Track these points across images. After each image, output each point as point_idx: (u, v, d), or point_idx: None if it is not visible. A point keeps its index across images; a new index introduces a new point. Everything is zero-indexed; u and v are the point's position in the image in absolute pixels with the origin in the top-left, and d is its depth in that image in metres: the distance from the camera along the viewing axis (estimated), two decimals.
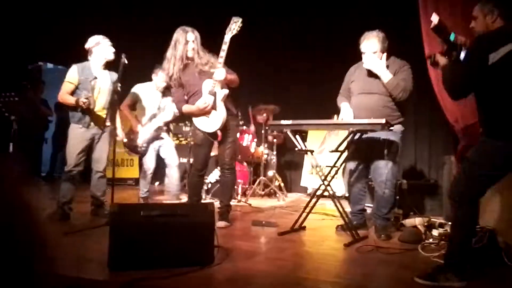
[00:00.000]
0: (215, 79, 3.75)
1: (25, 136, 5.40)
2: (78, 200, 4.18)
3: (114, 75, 4.12)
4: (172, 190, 5.12)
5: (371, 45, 3.65)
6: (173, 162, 5.05)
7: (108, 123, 4.12)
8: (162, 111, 5.01)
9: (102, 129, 4.14)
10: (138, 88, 5.04)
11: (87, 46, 4.12)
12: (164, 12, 7.16)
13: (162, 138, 5.03)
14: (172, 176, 5.07)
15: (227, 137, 3.95)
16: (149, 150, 5.01)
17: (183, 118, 5.08)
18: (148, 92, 5.03)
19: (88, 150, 4.15)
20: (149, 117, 4.98)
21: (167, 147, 5.07)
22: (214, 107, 3.81)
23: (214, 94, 3.80)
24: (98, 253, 2.73)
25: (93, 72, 4.08)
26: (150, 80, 5.03)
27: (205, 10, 6.75)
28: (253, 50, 6.83)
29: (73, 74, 4.06)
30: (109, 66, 4.18)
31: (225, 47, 3.74)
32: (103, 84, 4.12)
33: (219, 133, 3.88)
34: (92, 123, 4.08)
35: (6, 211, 0.75)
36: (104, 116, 4.09)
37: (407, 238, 3.46)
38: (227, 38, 3.75)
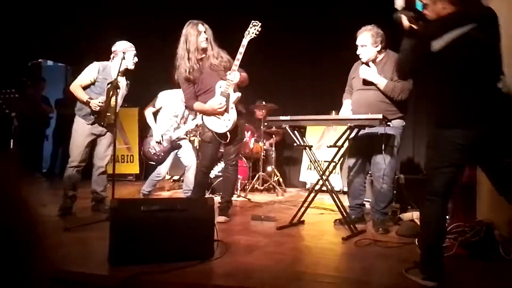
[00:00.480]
0: (230, 81, 3.75)
1: (25, 133, 5.42)
2: (79, 196, 4.21)
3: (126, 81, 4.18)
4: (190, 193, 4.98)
5: (362, 38, 3.73)
6: (190, 163, 4.93)
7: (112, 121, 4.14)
8: (185, 122, 4.99)
9: (108, 128, 4.18)
10: (163, 95, 5.00)
11: (113, 48, 4.16)
12: (164, 12, 7.15)
13: (180, 146, 4.97)
14: (188, 178, 4.92)
15: (235, 136, 3.96)
16: (167, 159, 4.95)
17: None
18: (172, 100, 4.97)
19: (92, 145, 4.18)
20: (171, 126, 4.93)
21: (186, 149, 5.00)
22: (226, 109, 3.81)
23: (227, 96, 3.80)
24: (98, 248, 2.75)
25: (112, 75, 4.10)
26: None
27: (203, 11, 6.75)
28: (253, 48, 6.84)
29: (94, 71, 4.09)
30: (129, 73, 4.21)
31: (242, 50, 3.73)
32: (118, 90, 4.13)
33: (228, 134, 3.88)
34: (98, 122, 4.11)
35: (4, 210, 0.75)
36: (112, 117, 4.11)
37: (404, 231, 3.49)
38: (245, 41, 3.74)
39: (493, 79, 2.25)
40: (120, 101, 4.13)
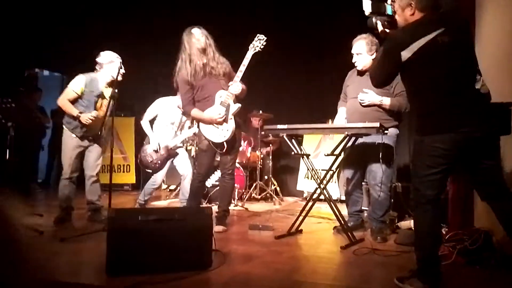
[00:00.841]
0: (231, 92, 3.76)
1: (21, 143, 5.39)
2: (75, 206, 4.19)
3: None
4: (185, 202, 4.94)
5: (358, 46, 3.77)
6: (186, 172, 4.90)
7: (102, 132, 4.13)
8: (182, 129, 4.96)
9: (96, 140, 4.17)
10: (159, 103, 4.96)
11: (99, 60, 4.11)
12: (160, 21, 7.17)
13: (177, 154, 4.95)
14: (185, 187, 4.86)
15: (233, 146, 3.96)
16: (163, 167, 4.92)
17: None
18: (168, 107, 4.93)
19: (82, 156, 4.18)
20: (168, 134, 4.89)
21: (181, 158, 4.98)
22: (225, 119, 3.81)
23: (227, 107, 3.79)
24: (95, 259, 2.74)
25: (99, 87, 4.08)
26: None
27: (200, 14, 6.78)
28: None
29: (80, 84, 4.04)
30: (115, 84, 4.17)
31: (246, 62, 3.74)
32: (105, 100, 4.13)
33: (225, 144, 3.88)
34: (86, 135, 4.10)
35: None
36: (101, 128, 4.09)
37: (403, 240, 3.48)
38: (249, 54, 3.76)
39: (470, 81, 2.26)
40: (108, 113, 4.09)
